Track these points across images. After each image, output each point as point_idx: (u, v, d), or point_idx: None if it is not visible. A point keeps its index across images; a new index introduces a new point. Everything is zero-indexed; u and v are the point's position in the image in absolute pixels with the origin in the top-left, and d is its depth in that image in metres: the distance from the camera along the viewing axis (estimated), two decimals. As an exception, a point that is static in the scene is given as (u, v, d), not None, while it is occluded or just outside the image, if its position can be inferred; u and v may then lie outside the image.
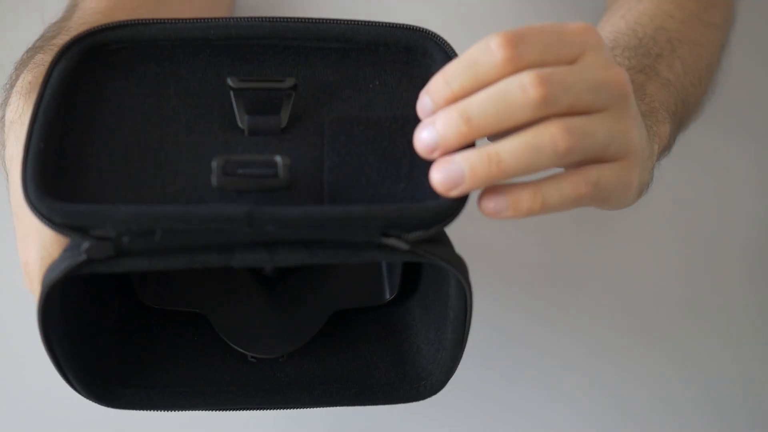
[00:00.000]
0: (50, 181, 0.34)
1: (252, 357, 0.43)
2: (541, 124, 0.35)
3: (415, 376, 0.42)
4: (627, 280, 0.65)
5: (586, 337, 0.63)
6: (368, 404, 0.43)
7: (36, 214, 0.33)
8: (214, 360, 0.44)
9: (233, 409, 0.43)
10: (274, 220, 0.33)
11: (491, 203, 0.36)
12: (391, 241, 0.35)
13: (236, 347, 0.44)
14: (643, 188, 0.44)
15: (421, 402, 0.43)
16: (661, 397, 0.63)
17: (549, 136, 0.34)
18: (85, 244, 0.33)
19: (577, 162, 0.37)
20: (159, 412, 0.42)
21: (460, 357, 0.41)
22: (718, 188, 0.70)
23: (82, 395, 0.40)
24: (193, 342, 0.45)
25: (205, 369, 0.43)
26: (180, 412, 0.43)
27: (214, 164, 0.34)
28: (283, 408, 0.43)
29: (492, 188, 0.36)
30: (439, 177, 0.35)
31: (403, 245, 0.35)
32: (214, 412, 0.45)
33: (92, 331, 0.42)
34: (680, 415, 0.63)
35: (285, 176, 0.34)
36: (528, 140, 0.34)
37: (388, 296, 0.48)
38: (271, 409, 0.43)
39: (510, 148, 0.35)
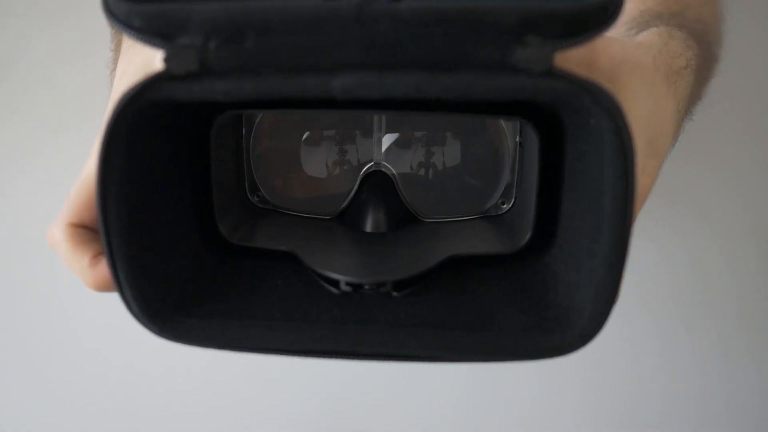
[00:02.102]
0: None
1: (346, 283, 0.37)
2: None
3: (557, 318, 0.34)
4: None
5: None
6: (496, 358, 0.34)
7: (113, 21, 0.30)
8: (300, 295, 0.38)
9: (318, 354, 0.35)
10: (389, 14, 0.28)
11: None
12: (529, 53, 0.29)
13: (328, 273, 0.37)
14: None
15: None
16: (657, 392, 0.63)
17: None
18: (165, 53, 0.29)
19: None
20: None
21: (621, 276, 0.32)
22: (717, 188, 0.70)
23: (136, 311, 0.34)
24: (276, 280, 0.39)
25: (289, 302, 0.37)
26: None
27: None
28: (383, 355, 0.35)
29: None
30: None
31: (544, 58, 0.28)
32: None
33: (159, 237, 0.36)
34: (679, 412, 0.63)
35: None
36: None
37: (520, 243, 0.41)
38: (365, 356, 0.35)
39: None
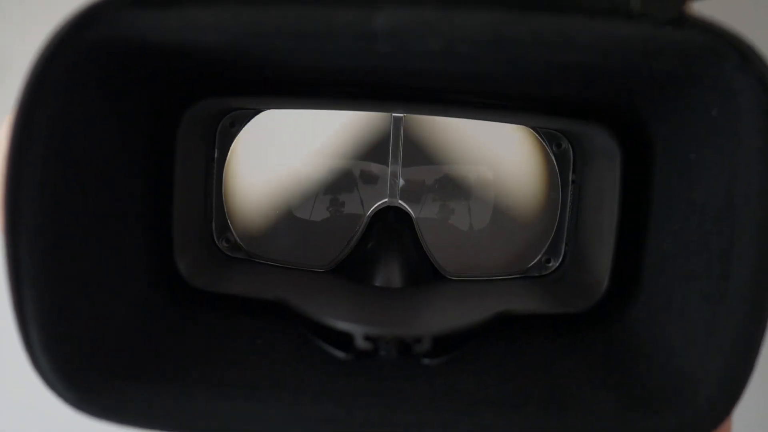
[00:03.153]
0: None
1: (365, 338, 0.26)
2: None
3: (660, 394, 0.25)
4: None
5: None
6: None
7: None
8: (290, 360, 0.27)
9: None
10: None
11: None
12: None
13: (336, 324, 0.27)
14: None
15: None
16: None
17: None
18: None
19: None
20: None
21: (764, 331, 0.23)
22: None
23: (46, 370, 0.23)
24: (255, 339, 0.29)
25: (275, 368, 0.26)
26: None
27: None
28: None
29: None
30: None
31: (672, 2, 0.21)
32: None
33: (91, 266, 0.25)
34: None
35: None
36: None
37: (589, 300, 0.31)
38: None
39: None
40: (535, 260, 0.35)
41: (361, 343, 0.26)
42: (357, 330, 0.26)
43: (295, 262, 0.35)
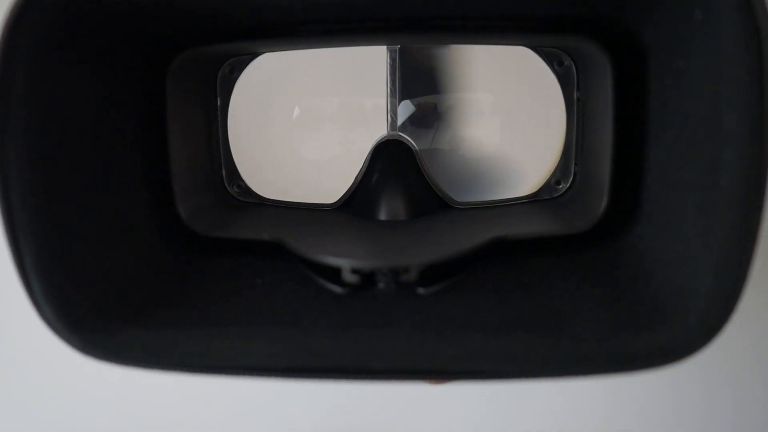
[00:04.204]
0: None
1: (352, 271, 0.26)
2: None
3: (657, 310, 0.25)
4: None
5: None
6: (577, 370, 0.25)
7: None
8: (288, 297, 0.27)
9: (313, 374, 0.24)
10: None
11: None
12: None
13: (326, 260, 0.27)
14: None
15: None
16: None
17: None
18: None
19: None
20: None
21: (757, 230, 0.22)
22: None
23: (49, 316, 0.24)
24: (254, 279, 0.29)
25: (272, 305, 0.27)
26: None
27: None
28: (406, 372, 0.24)
29: None
30: None
31: None
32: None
33: (90, 216, 0.27)
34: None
35: None
36: None
37: (591, 219, 0.30)
38: (380, 374, 0.24)
39: None
40: (545, 183, 0.35)
41: (348, 276, 0.27)
42: (344, 264, 0.27)
43: (304, 201, 0.35)
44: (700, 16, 0.22)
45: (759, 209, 0.22)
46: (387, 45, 0.33)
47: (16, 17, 0.22)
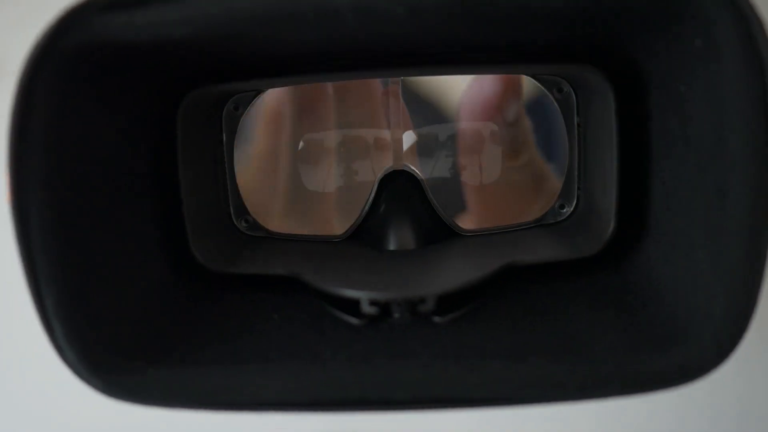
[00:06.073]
0: None
1: (370, 303, 0.27)
2: None
3: (670, 332, 0.25)
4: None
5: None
6: (596, 393, 0.24)
7: None
8: (305, 331, 0.28)
9: (333, 407, 0.25)
10: None
11: None
12: None
13: (344, 292, 0.27)
14: None
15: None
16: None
17: None
18: None
19: None
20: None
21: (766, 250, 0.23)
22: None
23: (72, 359, 0.24)
24: (271, 315, 0.30)
25: (290, 340, 0.27)
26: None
27: None
28: (427, 401, 0.25)
29: None
30: None
31: None
32: None
33: (107, 258, 0.27)
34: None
35: None
36: None
37: (598, 243, 0.31)
38: (402, 405, 0.25)
39: None
40: (549, 207, 0.35)
41: (367, 308, 0.27)
42: (363, 296, 0.27)
43: (313, 234, 0.36)
44: (700, 44, 0.23)
45: (766, 231, 0.23)
46: (389, 77, 0.34)
47: (36, 63, 0.22)
